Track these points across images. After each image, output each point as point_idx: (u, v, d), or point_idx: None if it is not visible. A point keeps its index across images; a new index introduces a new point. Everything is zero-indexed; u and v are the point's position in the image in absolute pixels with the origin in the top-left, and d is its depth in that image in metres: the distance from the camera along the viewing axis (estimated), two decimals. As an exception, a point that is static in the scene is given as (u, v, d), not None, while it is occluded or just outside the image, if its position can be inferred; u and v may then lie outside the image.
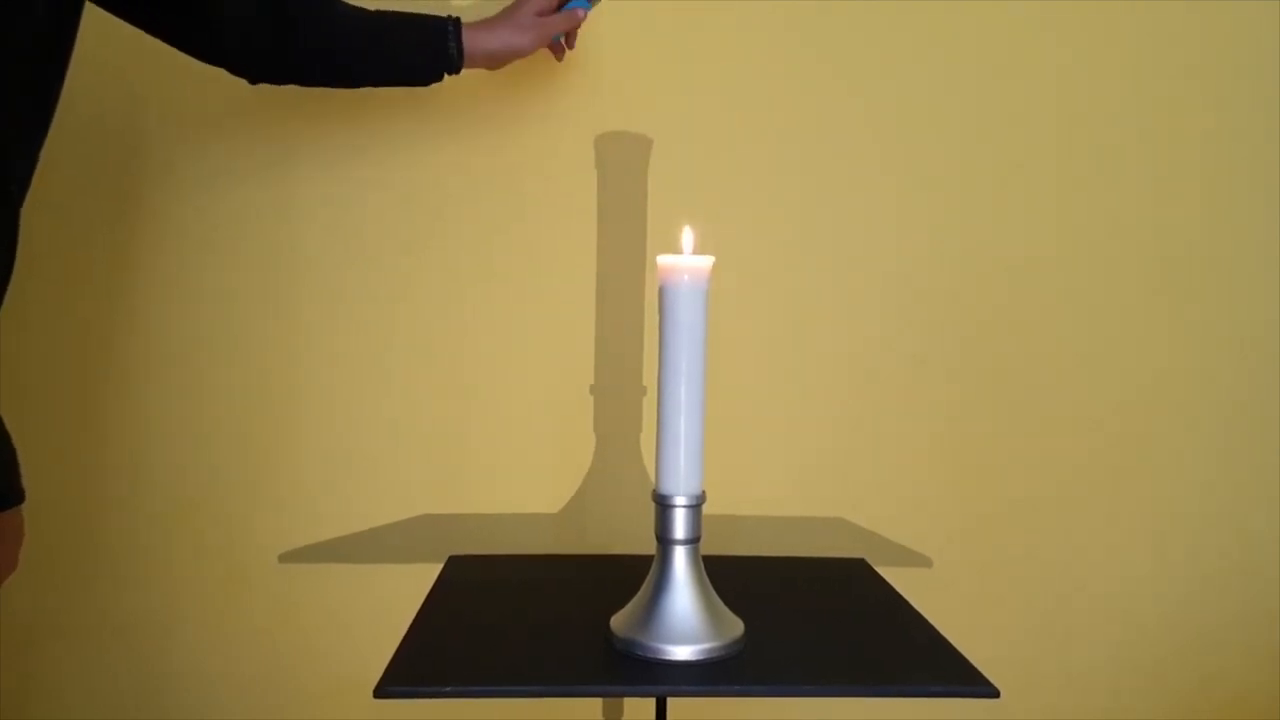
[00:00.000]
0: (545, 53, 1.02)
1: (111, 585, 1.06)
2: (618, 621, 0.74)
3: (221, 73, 0.85)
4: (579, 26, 0.94)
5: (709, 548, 0.75)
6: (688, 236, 0.73)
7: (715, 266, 0.71)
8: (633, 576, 0.80)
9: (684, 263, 0.71)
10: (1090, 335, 1.09)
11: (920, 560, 1.08)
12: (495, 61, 0.91)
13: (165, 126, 1.02)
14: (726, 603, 0.75)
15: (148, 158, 1.02)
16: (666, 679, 0.69)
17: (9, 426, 0.72)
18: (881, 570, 0.96)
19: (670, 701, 0.86)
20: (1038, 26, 1.05)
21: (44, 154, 0.70)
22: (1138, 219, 1.08)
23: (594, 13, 1.01)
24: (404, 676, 0.68)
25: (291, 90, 0.89)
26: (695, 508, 0.73)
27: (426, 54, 0.88)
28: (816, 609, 0.84)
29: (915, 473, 1.09)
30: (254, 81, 0.87)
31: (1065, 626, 1.11)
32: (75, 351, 1.03)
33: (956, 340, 1.07)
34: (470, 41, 0.88)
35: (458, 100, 1.02)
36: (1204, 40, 1.06)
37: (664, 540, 0.73)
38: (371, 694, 0.67)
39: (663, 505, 0.72)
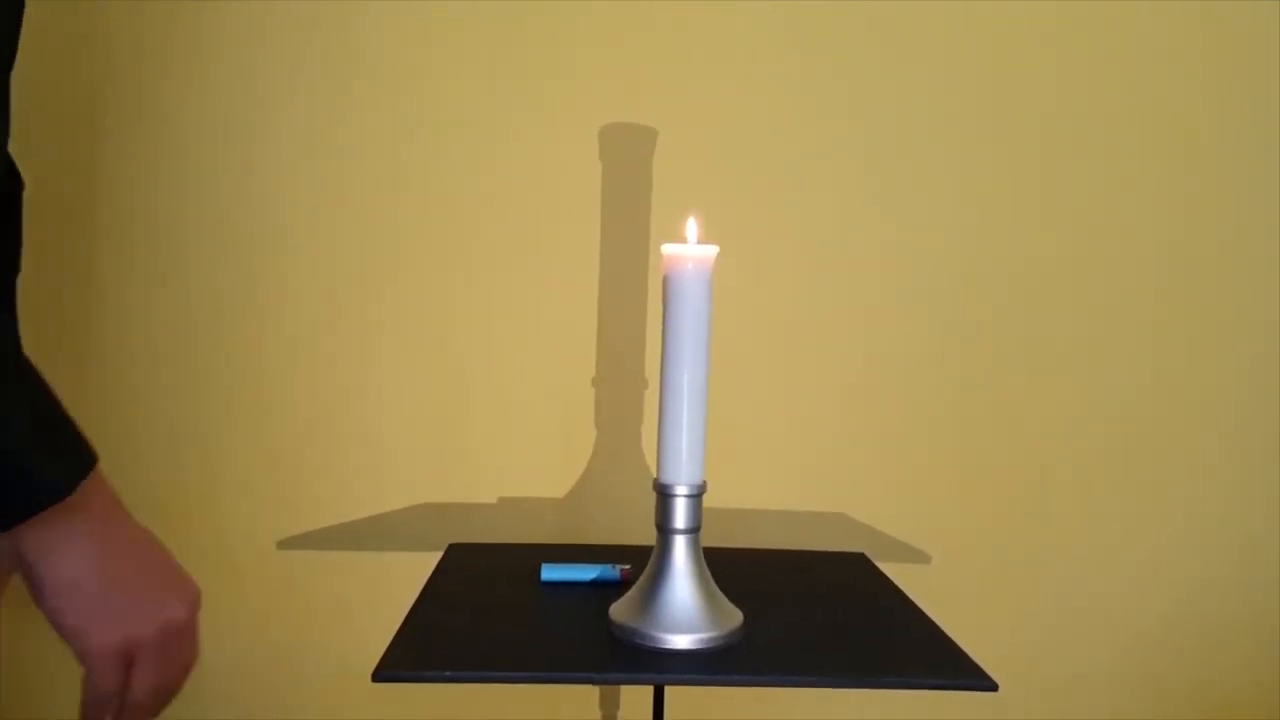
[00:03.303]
0: (548, 47, 1.02)
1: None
2: (617, 610, 0.74)
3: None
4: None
5: (709, 540, 0.75)
6: (692, 226, 0.73)
7: (718, 260, 0.72)
8: (633, 567, 0.80)
9: (689, 251, 0.71)
10: (1091, 335, 1.08)
11: (920, 557, 1.08)
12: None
13: (149, 125, 1.02)
14: (726, 594, 0.75)
15: (134, 155, 1.02)
16: (665, 667, 0.69)
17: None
18: (881, 566, 0.95)
19: (668, 691, 0.86)
20: (1046, 27, 1.05)
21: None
22: (1140, 222, 1.08)
23: (597, 7, 1.01)
24: (402, 661, 0.68)
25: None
26: (696, 497, 0.73)
27: None
28: (816, 601, 0.84)
29: (916, 470, 1.08)
30: None
31: (1065, 625, 1.11)
32: (69, 341, 1.03)
33: (959, 336, 1.07)
34: (35, 541, 0.51)
35: (459, 90, 1.02)
36: (1208, 43, 1.06)
37: (664, 529, 0.73)
38: (370, 678, 0.67)
39: (664, 494, 0.72)
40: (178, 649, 0.57)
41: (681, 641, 0.70)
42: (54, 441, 0.52)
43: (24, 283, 1.01)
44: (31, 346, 1.04)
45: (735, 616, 0.74)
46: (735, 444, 1.03)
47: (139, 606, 0.55)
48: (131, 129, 1.01)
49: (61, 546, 0.52)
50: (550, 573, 0.85)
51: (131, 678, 0.55)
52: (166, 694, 0.58)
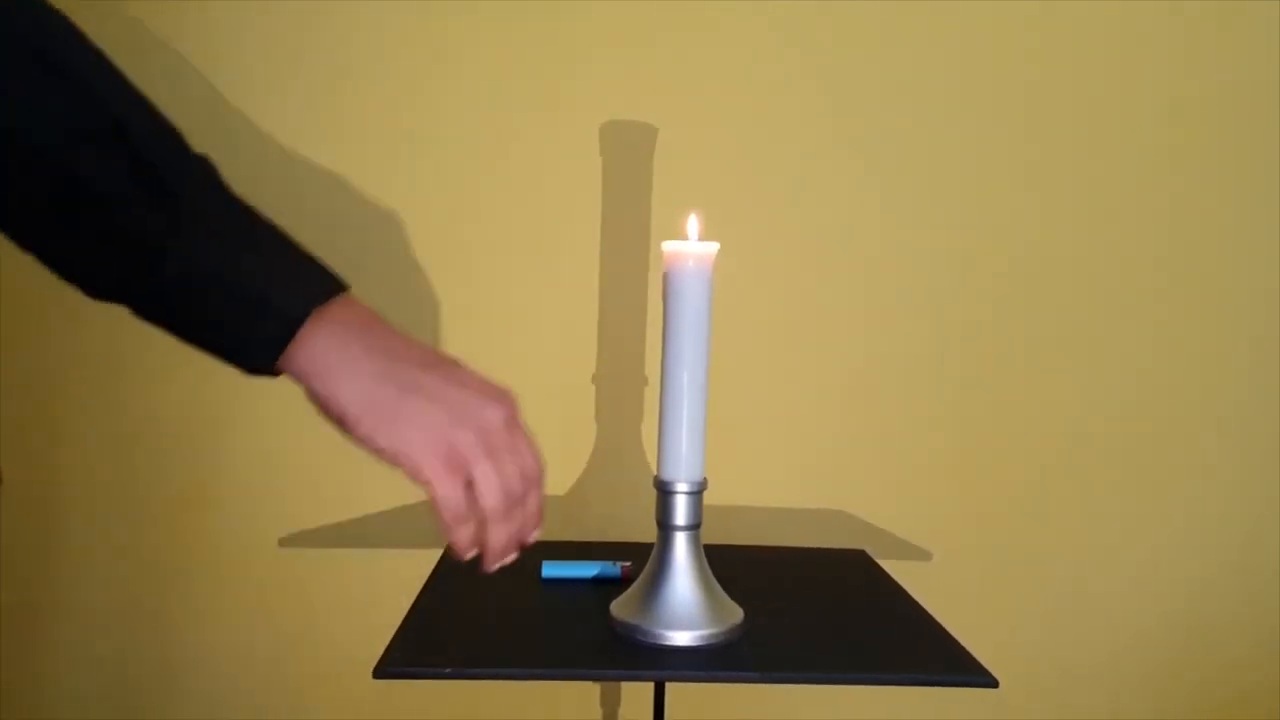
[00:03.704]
0: (548, 44, 1.02)
1: (112, 570, 1.06)
2: (618, 607, 0.74)
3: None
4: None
5: (709, 538, 0.75)
6: (693, 223, 0.73)
7: (719, 257, 0.72)
8: (634, 563, 0.80)
9: (689, 249, 0.71)
10: (1092, 332, 1.08)
11: (920, 554, 1.08)
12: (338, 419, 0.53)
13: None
14: (726, 591, 0.75)
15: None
16: (665, 664, 0.69)
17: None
18: (882, 564, 0.96)
19: (669, 687, 0.86)
20: (1048, 26, 1.05)
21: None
22: (1139, 220, 1.08)
23: (597, 5, 1.01)
24: (403, 657, 0.68)
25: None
26: (696, 494, 0.73)
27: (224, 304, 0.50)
28: (816, 598, 0.84)
29: (917, 467, 1.08)
30: None
31: (1065, 623, 1.11)
32: (73, 336, 1.03)
33: (960, 334, 1.07)
34: (325, 375, 0.51)
35: (460, 87, 1.02)
36: (1208, 41, 1.06)
37: (665, 526, 0.73)
38: (371, 675, 0.67)
39: (664, 491, 0.73)
40: (510, 453, 0.55)
41: (682, 638, 0.70)
42: (285, 270, 0.52)
43: (24, 281, 1.01)
44: (32, 344, 1.05)
45: (736, 613, 0.74)
46: (736, 441, 1.03)
47: (445, 412, 0.53)
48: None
49: (341, 370, 0.51)
50: (551, 570, 0.85)
51: (474, 491, 0.54)
52: (518, 504, 0.56)
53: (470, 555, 0.56)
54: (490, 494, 0.54)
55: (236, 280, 0.49)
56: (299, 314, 0.51)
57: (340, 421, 0.52)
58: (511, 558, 0.57)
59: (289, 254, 0.53)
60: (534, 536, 0.58)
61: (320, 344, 0.51)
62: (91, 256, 0.49)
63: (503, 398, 0.56)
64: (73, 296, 0.99)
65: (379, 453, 0.52)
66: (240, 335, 0.51)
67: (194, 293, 0.49)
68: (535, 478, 0.58)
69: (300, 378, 0.52)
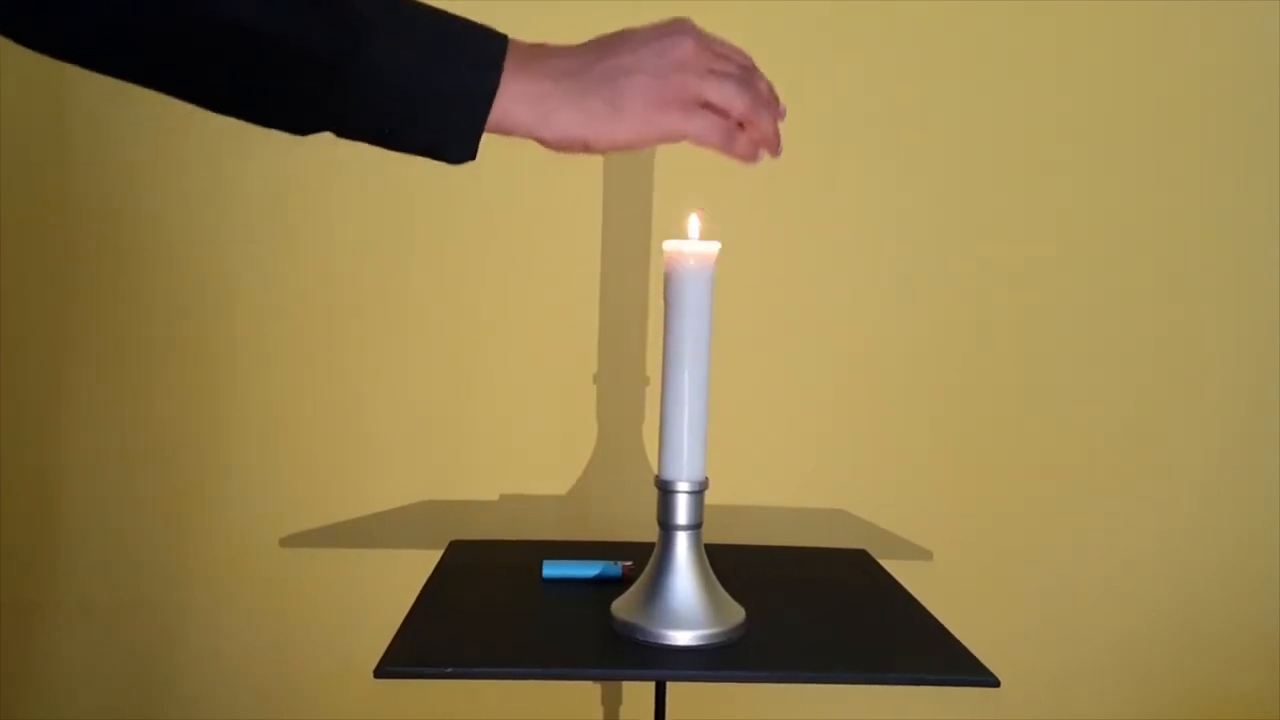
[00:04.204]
0: (548, 41, 1.02)
1: (113, 569, 1.06)
2: (619, 606, 0.74)
3: None
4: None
5: (711, 537, 0.75)
6: (694, 222, 0.73)
7: (720, 257, 0.72)
8: (635, 563, 0.80)
9: (691, 248, 0.71)
10: (1092, 332, 1.08)
11: (921, 554, 1.08)
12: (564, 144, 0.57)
13: (153, 118, 1.01)
14: (727, 590, 0.75)
15: (141, 150, 1.02)
16: (666, 663, 0.69)
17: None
18: (882, 563, 0.95)
19: (670, 687, 0.86)
20: (1050, 26, 1.05)
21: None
22: (1140, 218, 1.08)
23: (599, 4, 1.00)
24: (404, 657, 0.68)
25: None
26: (698, 494, 0.73)
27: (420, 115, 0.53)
28: (817, 597, 0.84)
29: (918, 467, 1.09)
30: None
31: (1066, 622, 1.11)
32: (73, 334, 1.03)
33: (960, 334, 1.07)
34: (516, 105, 0.54)
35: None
36: (1208, 39, 1.06)
37: (666, 525, 0.73)
38: (372, 675, 0.67)
39: (665, 491, 0.72)
40: (717, 60, 0.58)
41: (683, 638, 0.70)
42: (458, 49, 0.52)
43: (30, 279, 1.01)
44: (32, 344, 1.05)
45: (737, 613, 0.74)
46: (737, 440, 1.03)
47: (647, 75, 0.56)
48: (137, 123, 1.01)
49: (548, 112, 0.55)
50: (552, 569, 0.85)
51: (714, 107, 0.57)
52: (748, 84, 0.58)
53: (760, 159, 0.60)
54: (731, 99, 0.57)
55: (423, 75, 0.51)
56: (488, 89, 0.53)
57: (584, 150, 0.56)
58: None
59: (453, 31, 0.53)
60: (783, 111, 0.61)
61: (517, 103, 0.54)
62: (288, 99, 0.51)
63: (680, 27, 0.58)
64: (71, 296, 0.99)
65: (629, 148, 0.55)
66: (441, 127, 0.54)
67: (388, 99, 0.51)
68: (750, 64, 0.61)
69: (520, 135, 0.56)
